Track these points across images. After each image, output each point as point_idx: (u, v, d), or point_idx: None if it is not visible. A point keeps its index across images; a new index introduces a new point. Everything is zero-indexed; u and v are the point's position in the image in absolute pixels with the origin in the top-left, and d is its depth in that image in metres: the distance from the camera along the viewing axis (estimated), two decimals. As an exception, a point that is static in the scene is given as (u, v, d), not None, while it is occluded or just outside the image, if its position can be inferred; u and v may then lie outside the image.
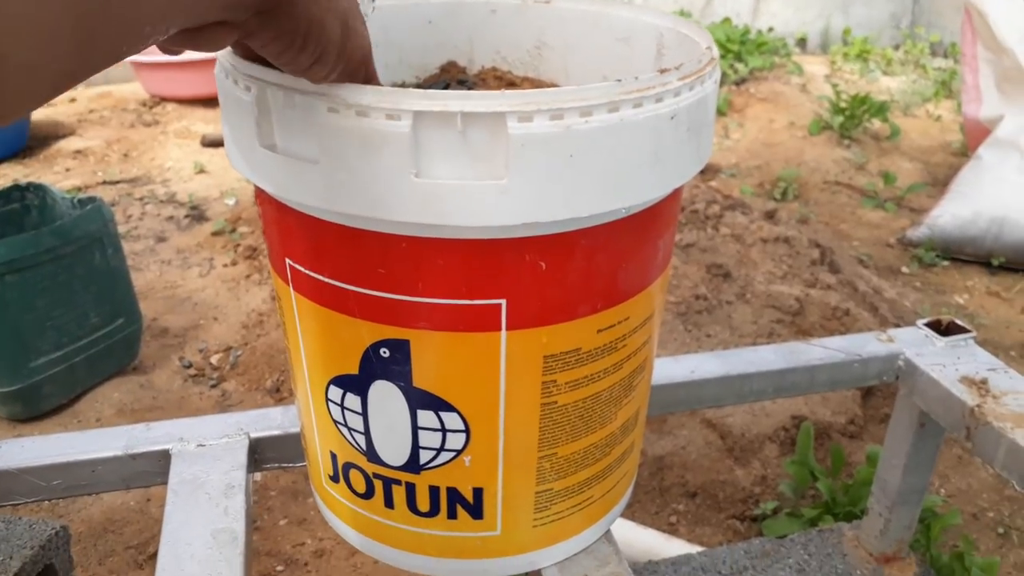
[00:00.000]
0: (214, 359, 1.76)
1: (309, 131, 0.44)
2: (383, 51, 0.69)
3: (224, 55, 0.50)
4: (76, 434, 0.77)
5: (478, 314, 0.49)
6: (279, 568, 1.29)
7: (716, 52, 0.53)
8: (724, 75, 3.58)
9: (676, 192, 0.55)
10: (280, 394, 1.64)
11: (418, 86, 0.70)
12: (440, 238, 0.46)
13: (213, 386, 1.67)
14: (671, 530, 1.34)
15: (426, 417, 0.54)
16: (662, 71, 0.46)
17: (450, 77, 0.68)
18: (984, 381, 0.86)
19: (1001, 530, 1.40)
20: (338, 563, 1.30)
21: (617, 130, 0.44)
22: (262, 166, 0.48)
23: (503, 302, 0.49)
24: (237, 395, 1.65)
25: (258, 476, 1.47)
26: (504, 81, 0.67)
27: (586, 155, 0.44)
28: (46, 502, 1.38)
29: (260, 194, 0.53)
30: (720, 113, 3.39)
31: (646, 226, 0.52)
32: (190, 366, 1.73)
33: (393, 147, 0.42)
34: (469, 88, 0.66)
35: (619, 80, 0.44)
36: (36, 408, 1.54)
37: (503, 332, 0.50)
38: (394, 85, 0.69)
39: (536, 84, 0.70)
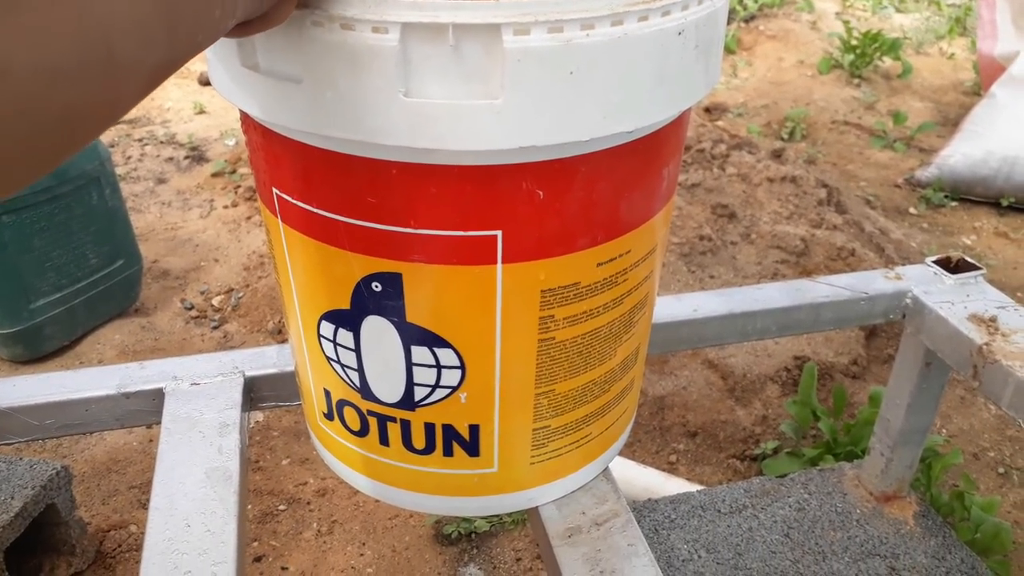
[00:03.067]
0: (215, 301, 1.75)
1: (292, 48, 0.41)
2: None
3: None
4: (69, 373, 0.76)
5: (473, 246, 0.47)
6: (281, 507, 1.29)
7: (726, -34, 0.50)
8: (733, 11, 3.49)
9: (683, 116, 0.52)
10: (282, 336, 1.64)
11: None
12: (432, 164, 0.44)
13: (215, 328, 1.67)
14: (671, 469, 1.34)
15: (420, 353, 0.53)
16: (668, -16, 0.43)
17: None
18: (993, 319, 0.85)
19: (1002, 470, 1.40)
20: (340, 502, 1.30)
21: (621, 45, 0.41)
22: (245, 87, 0.45)
23: (499, 233, 0.47)
24: (239, 336, 1.64)
25: (260, 416, 1.47)
26: None
27: (587, 72, 0.41)
28: (49, 443, 1.38)
29: (245, 119, 0.51)
30: (728, 51, 3.31)
31: (651, 152, 0.50)
32: (191, 308, 1.72)
33: (380, 64, 0.39)
34: None
35: (617, -8, 0.41)
36: (38, 350, 1.54)
37: (499, 265, 0.48)
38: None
39: None
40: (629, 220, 0.51)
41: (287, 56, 0.42)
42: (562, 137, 0.42)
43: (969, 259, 0.93)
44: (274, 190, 0.50)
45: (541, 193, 0.46)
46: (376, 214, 0.46)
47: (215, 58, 0.48)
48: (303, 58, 0.41)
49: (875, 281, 0.91)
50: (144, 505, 1.27)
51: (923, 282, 0.91)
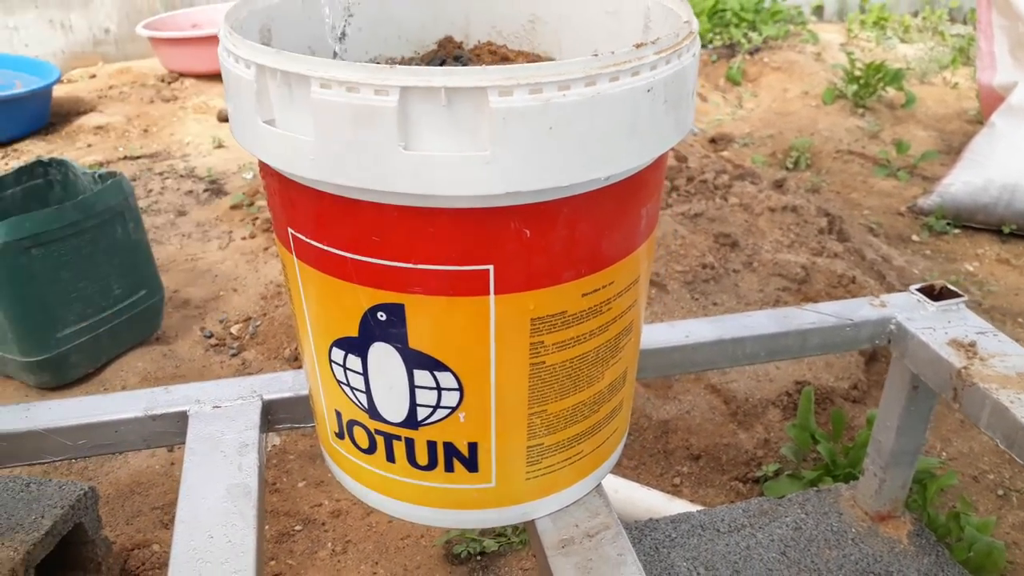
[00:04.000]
0: (234, 329, 1.81)
1: (304, 107, 0.47)
2: (382, 26, 0.72)
3: (225, 36, 0.53)
4: (99, 397, 0.81)
5: (468, 279, 0.53)
6: (297, 527, 1.34)
7: (696, 25, 0.55)
8: (738, 44, 3.55)
9: (659, 161, 0.57)
10: (298, 362, 1.69)
11: (416, 62, 0.72)
12: (429, 207, 0.49)
13: (234, 355, 1.73)
14: (675, 491, 1.38)
15: (422, 376, 0.58)
16: (638, 45, 0.49)
17: (446, 53, 0.71)
18: (972, 344, 0.89)
19: (1001, 492, 1.43)
20: (354, 523, 1.35)
21: (595, 103, 0.47)
22: (263, 140, 0.51)
23: (491, 268, 0.52)
24: (257, 363, 1.70)
25: (277, 441, 1.52)
26: (498, 55, 0.70)
27: (565, 127, 0.46)
28: (75, 465, 1.44)
29: (263, 167, 0.57)
30: (734, 83, 3.38)
31: (628, 194, 0.55)
32: (211, 336, 1.79)
33: (382, 121, 0.45)
34: (464, 64, 0.69)
35: (596, 55, 0.47)
36: (64, 377, 1.60)
37: (491, 296, 0.54)
38: (391, 60, 0.72)
39: (530, 58, 0.72)
40: (611, 254, 0.57)
41: (300, 114, 0.48)
42: (544, 183, 0.48)
43: (951, 287, 0.97)
44: (289, 230, 0.56)
45: (528, 232, 0.51)
46: (380, 251, 0.52)
47: (236, 113, 0.54)
48: (314, 116, 0.47)
49: (861, 308, 0.95)
50: (166, 525, 1.32)
51: (907, 309, 0.95)
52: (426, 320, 0.55)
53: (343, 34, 0.66)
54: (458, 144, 0.46)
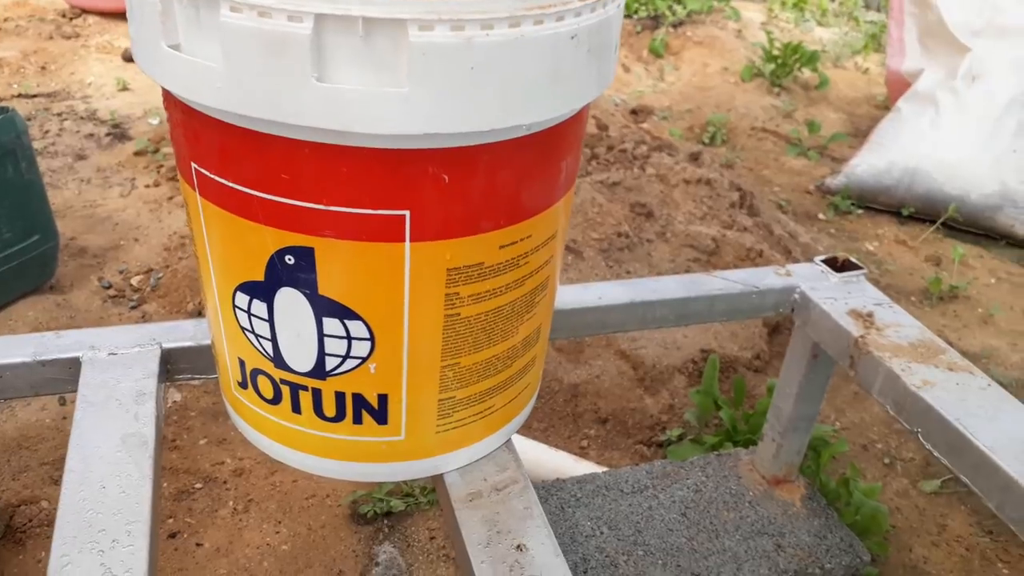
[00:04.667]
0: (134, 280, 1.73)
1: (212, 31, 0.44)
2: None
3: (129, -48, 0.49)
4: (-18, 340, 0.76)
5: (382, 224, 0.51)
6: (197, 485, 1.30)
7: (623, -22, 0.55)
8: (662, 16, 3.58)
9: (580, 114, 0.57)
10: (203, 316, 1.64)
11: None
12: (343, 145, 0.47)
13: (133, 307, 1.65)
14: (582, 454, 1.40)
15: (332, 325, 0.56)
16: (565, -9, 0.48)
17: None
18: (870, 315, 0.92)
19: (887, 460, 1.51)
20: (257, 481, 1.32)
21: (517, 45, 0.45)
22: (168, 67, 0.48)
23: (407, 213, 0.51)
24: (158, 317, 1.63)
25: (178, 397, 1.47)
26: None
27: (486, 68, 0.45)
28: (-45, 417, 1.35)
29: (167, 96, 0.53)
30: (656, 55, 3.41)
31: (549, 146, 0.54)
32: (109, 287, 1.70)
33: (295, 50, 0.43)
34: None
35: (521, -2, 0.45)
36: (-56, 324, 1.51)
37: (407, 243, 0.52)
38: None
39: None
40: (530, 207, 0.56)
41: (208, 39, 0.45)
42: (464, 127, 0.46)
43: (853, 259, 1.01)
44: (193, 165, 0.53)
45: (446, 177, 0.50)
46: (290, 190, 0.49)
47: (139, 36, 0.50)
48: (223, 41, 0.44)
49: (766, 277, 0.98)
50: (56, 482, 1.26)
51: (810, 279, 0.98)
52: (337, 266, 0.53)
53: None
54: (375, 79, 0.44)
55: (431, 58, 0.43)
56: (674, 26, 3.56)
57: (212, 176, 0.52)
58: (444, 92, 0.45)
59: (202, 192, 0.54)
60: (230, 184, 0.51)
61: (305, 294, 0.55)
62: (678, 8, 3.63)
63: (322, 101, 0.44)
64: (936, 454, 0.76)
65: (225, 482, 1.31)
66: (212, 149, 0.51)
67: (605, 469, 1.22)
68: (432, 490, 1.30)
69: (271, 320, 0.57)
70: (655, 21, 3.58)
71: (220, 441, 1.38)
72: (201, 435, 1.39)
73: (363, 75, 0.44)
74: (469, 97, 0.45)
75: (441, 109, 0.45)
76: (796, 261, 1.91)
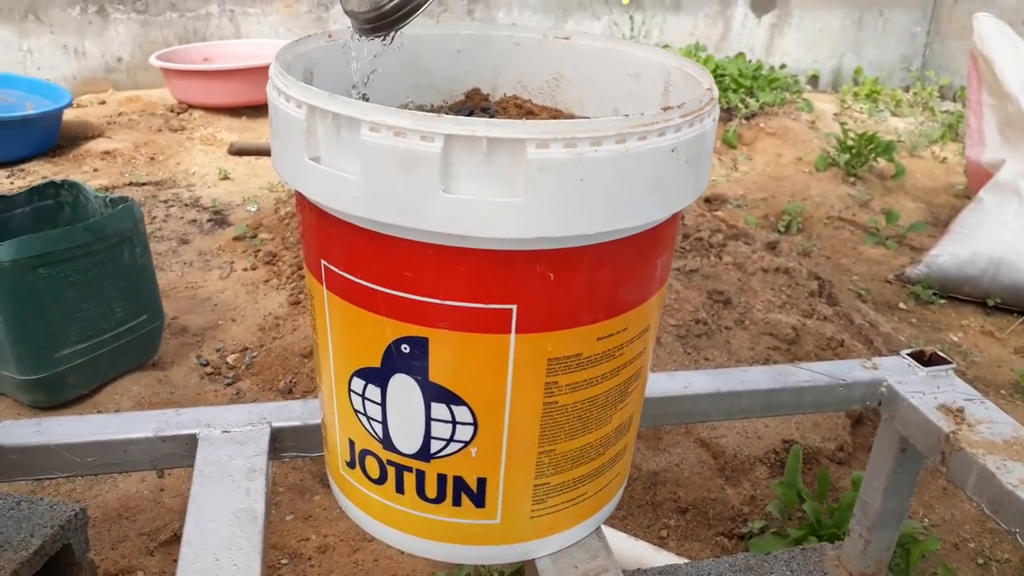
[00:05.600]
0: (230, 359, 1.82)
1: (351, 147, 0.50)
2: (414, 75, 0.76)
3: (276, 75, 0.57)
4: (110, 415, 0.83)
5: (491, 317, 0.55)
6: (283, 561, 1.34)
7: (716, 92, 0.59)
8: (735, 109, 3.65)
9: (675, 216, 0.61)
10: (293, 395, 1.70)
11: (445, 110, 0.76)
12: (462, 247, 0.52)
13: (228, 384, 1.73)
14: (661, 543, 1.39)
15: (439, 409, 0.60)
16: (665, 108, 0.52)
17: (474, 104, 0.75)
18: (961, 410, 0.91)
19: (981, 560, 1.44)
20: (340, 559, 1.35)
21: (623, 159, 0.50)
22: (307, 176, 0.54)
23: (514, 307, 0.55)
24: (251, 394, 1.71)
25: (266, 473, 1.52)
26: (524, 109, 0.74)
27: (595, 180, 0.50)
28: (63, 487, 1.43)
29: (301, 200, 0.59)
30: (730, 146, 3.46)
31: (646, 246, 0.58)
32: (207, 364, 1.79)
33: (425, 165, 0.48)
34: (491, 115, 0.72)
35: (627, 115, 0.50)
36: (59, 397, 1.60)
37: (512, 335, 0.56)
38: (421, 107, 0.76)
39: (553, 113, 0.76)
40: (627, 301, 0.60)
41: (347, 153, 0.51)
42: (572, 231, 0.51)
43: (941, 353, 1.01)
44: (322, 261, 0.59)
45: (552, 275, 0.54)
46: (411, 286, 0.54)
47: (282, 148, 0.57)
48: (361, 156, 0.50)
49: (853, 370, 0.98)
50: (152, 552, 1.31)
51: (898, 373, 0.98)
52: (448, 354, 0.57)
53: (367, 81, 0.69)
54: (495, 190, 0.49)
55: (545, 172, 0.48)
56: (747, 118, 3.62)
57: (340, 272, 0.57)
58: (556, 201, 0.49)
59: (329, 286, 0.59)
60: (356, 280, 0.56)
61: (417, 380, 0.59)
62: (751, 101, 3.69)
63: (447, 209, 0.49)
64: (1036, 556, 0.74)
65: (310, 558, 1.35)
66: (342, 248, 0.56)
67: (686, 560, 1.21)
68: (512, 574, 1.31)
69: (383, 404, 0.61)
70: (728, 113, 3.65)
71: (306, 517, 1.42)
72: (288, 511, 1.43)
73: (484, 187, 0.49)
74: (578, 205, 0.50)
75: (553, 216, 0.50)
76: (878, 351, 1.88)
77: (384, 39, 0.61)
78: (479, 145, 0.48)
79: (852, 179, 3.19)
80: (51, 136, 2.94)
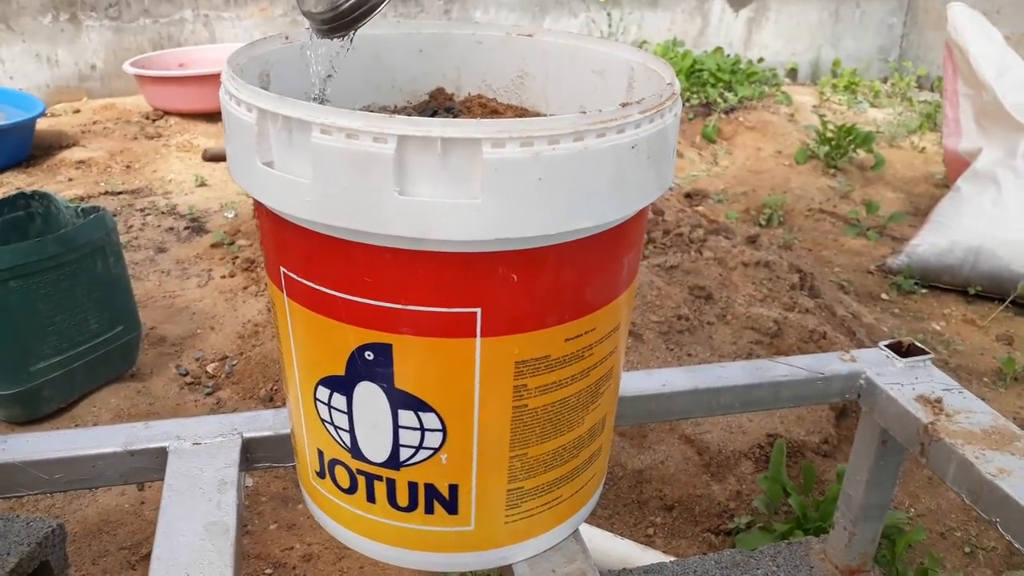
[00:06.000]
0: (210, 367, 1.80)
1: (303, 151, 0.49)
2: (376, 75, 0.74)
3: (228, 79, 0.55)
4: (78, 431, 0.81)
5: (455, 321, 0.54)
6: (268, 571, 1.32)
7: (678, 87, 0.58)
8: (714, 103, 3.65)
9: (640, 213, 0.60)
10: (274, 403, 1.68)
11: (408, 111, 0.75)
12: (421, 250, 0.51)
13: (208, 394, 1.71)
14: (648, 542, 1.38)
15: (407, 417, 0.59)
16: (624, 104, 0.51)
17: (438, 104, 0.73)
18: (939, 400, 0.91)
19: (968, 549, 1.45)
20: (325, 567, 1.33)
21: (582, 157, 0.49)
22: (261, 181, 0.53)
23: (478, 311, 0.54)
24: (232, 403, 1.69)
25: (249, 482, 1.51)
26: (488, 108, 0.72)
27: (553, 179, 0.49)
28: (43, 502, 1.41)
29: (258, 207, 0.58)
30: (709, 140, 3.46)
31: (611, 244, 0.57)
32: (186, 374, 1.77)
33: (379, 167, 0.47)
34: (455, 114, 0.71)
35: (583, 111, 0.49)
36: (35, 411, 1.58)
37: (478, 338, 0.55)
38: (384, 109, 0.74)
39: (519, 112, 0.75)
40: (594, 301, 0.59)
41: (299, 157, 0.50)
42: (532, 231, 0.50)
43: (918, 344, 1.00)
44: (281, 268, 0.57)
45: (515, 277, 0.53)
46: (371, 291, 0.53)
47: (235, 153, 0.56)
48: (313, 160, 0.49)
49: (832, 363, 0.97)
50: (134, 566, 1.30)
51: (876, 365, 0.97)
52: (413, 360, 0.56)
53: (326, 81, 0.68)
54: (452, 191, 0.48)
55: (503, 172, 0.47)
56: (726, 112, 3.62)
57: (299, 279, 0.56)
58: (514, 201, 0.48)
59: (289, 293, 0.58)
60: (316, 286, 0.55)
61: (382, 387, 0.58)
62: (729, 95, 3.70)
63: (403, 212, 0.48)
64: (1017, 545, 0.74)
65: (294, 567, 1.33)
66: (300, 254, 0.55)
67: (673, 559, 1.20)
68: (496, 578, 1.30)
69: (350, 412, 0.60)
70: (707, 108, 3.65)
71: (290, 526, 1.41)
72: (272, 520, 1.42)
73: (440, 188, 0.48)
74: (537, 205, 0.49)
75: (511, 216, 0.49)
76: (861, 342, 1.88)
77: (343, 40, 0.60)
78: (433, 146, 0.46)
79: (832, 171, 3.20)
80: (24, 146, 2.91)
